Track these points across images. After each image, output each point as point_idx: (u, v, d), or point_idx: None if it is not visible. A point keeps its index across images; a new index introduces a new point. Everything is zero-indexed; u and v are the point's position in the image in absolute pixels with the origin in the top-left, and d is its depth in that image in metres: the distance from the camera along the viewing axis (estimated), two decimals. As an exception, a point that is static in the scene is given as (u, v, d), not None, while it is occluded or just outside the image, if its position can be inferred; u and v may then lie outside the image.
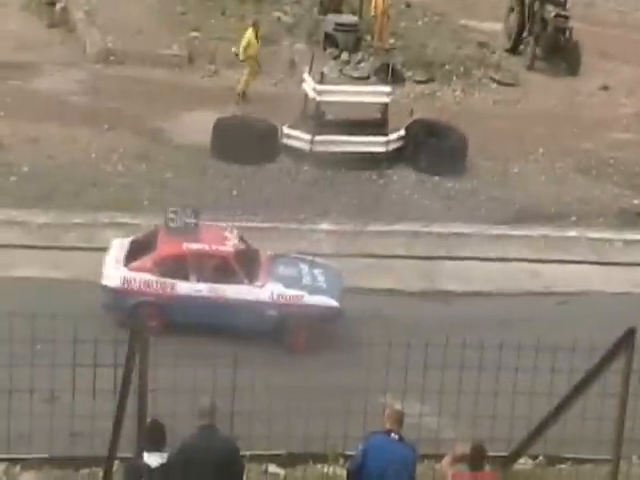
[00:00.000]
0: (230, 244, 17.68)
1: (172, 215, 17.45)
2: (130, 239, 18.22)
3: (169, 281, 17.11)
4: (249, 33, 26.28)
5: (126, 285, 17.17)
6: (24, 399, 11.16)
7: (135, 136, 24.51)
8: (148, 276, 17.19)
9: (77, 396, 10.91)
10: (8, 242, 19.11)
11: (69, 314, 13.43)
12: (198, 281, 17.17)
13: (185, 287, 17.07)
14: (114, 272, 17.31)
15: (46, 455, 11.70)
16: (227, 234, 18.00)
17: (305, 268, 18.12)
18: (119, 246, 17.90)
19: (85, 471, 11.79)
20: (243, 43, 26.19)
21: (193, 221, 17.48)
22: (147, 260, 17.36)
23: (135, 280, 17.20)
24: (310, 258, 18.42)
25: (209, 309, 16.75)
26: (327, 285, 17.77)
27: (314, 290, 17.52)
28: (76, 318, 13.11)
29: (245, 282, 17.25)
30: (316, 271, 18.09)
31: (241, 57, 26.41)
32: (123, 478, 10.71)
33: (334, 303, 17.25)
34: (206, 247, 17.43)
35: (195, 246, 17.35)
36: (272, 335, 16.87)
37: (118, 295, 17.22)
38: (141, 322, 12.91)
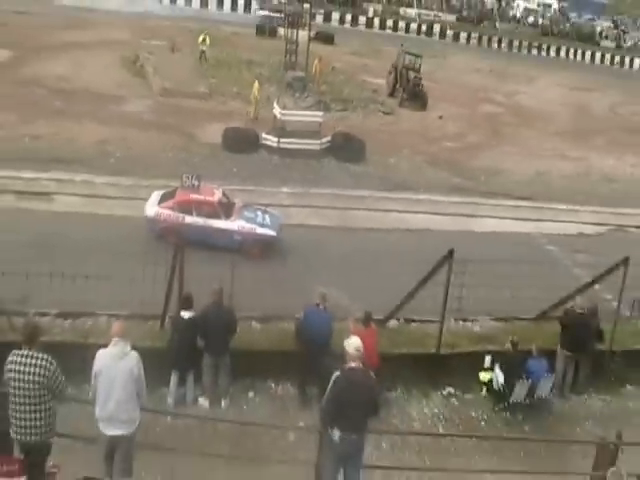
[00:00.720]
0: (216, 196, 18.95)
1: (185, 179, 18.76)
2: (162, 192, 19.27)
3: (181, 215, 18.33)
4: (256, 84, 29.75)
5: (158, 216, 18.54)
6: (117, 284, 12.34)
7: (179, 137, 26.32)
8: (170, 211, 18.42)
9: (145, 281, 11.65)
10: (110, 195, 20.53)
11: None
12: (197, 216, 18.36)
13: (189, 219, 18.25)
14: (152, 209, 18.62)
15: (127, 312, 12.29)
16: (215, 191, 19.18)
17: (259, 213, 19.18)
18: (156, 195, 19.10)
19: (150, 323, 12.65)
20: (254, 90, 29.45)
21: (196, 183, 18.69)
22: (170, 202, 18.62)
23: (162, 213, 18.50)
24: (263, 208, 19.49)
25: (202, 232, 17.69)
26: (271, 223, 18.82)
27: (263, 225, 18.68)
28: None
29: (223, 218, 18.54)
30: (266, 215, 19.15)
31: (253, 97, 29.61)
32: (170, 325, 12.26)
33: (273, 233, 18.52)
34: (202, 197, 18.69)
35: (196, 196, 18.68)
36: (238, 250, 17.27)
37: (153, 222, 18.44)
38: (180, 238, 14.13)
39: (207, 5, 54.75)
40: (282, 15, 41.80)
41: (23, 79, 30.76)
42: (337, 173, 25.39)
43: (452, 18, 66.86)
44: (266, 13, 51.97)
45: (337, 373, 8.86)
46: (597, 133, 35.77)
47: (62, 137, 24.76)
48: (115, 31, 41.06)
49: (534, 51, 62.75)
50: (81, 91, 30.02)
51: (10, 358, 8.29)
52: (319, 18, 55.05)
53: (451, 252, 12.32)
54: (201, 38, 37.80)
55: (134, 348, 8.78)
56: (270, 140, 26.46)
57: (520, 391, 12.07)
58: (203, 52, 37.62)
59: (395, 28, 61.19)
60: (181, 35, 41.01)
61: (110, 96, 29.92)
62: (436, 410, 12.19)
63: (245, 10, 55.84)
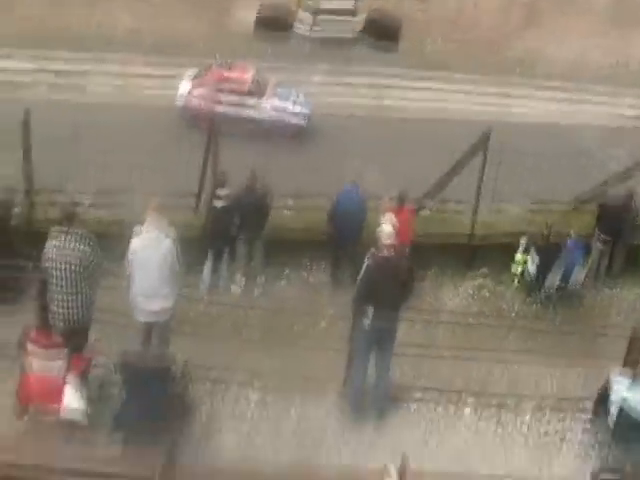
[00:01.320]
0: (249, 74, 18.82)
1: (217, 58, 18.87)
2: (195, 70, 18.99)
3: (214, 93, 17.97)
4: None
5: (191, 93, 18.26)
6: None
7: (211, 14, 24.43)
8: (203, 90, 18.15)
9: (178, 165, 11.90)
10: (145, 74, 19.92)
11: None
12: (230, 94, 18.11)
13: (223, 97, 17.93)
14: (185, 86, 18.40)
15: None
16: (248, 69, 19.02)
17: (293, 91, 19.12)
18: (189, 73, 18.86)
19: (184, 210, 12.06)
20: None
21: (228, 61, 18.80)
22: (203, 80, 18.44)
23: (195, 92, 18.19)
24: (296, 87, 19.30)
25: (236, 112, 17.66)
26: (305, 102, 18.71)
27: (296, 103, 18.63)
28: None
29: (257, 96, 18.51)
30: (300, 94, 19.06)
31: None
32: (204, 210, 12.05)
33: (307, 111, 18.41)
34: (235, 75, 18.63)
35: (228, 74, 18.61)
36: (270, 129, 17.50)
37: (186, 101, 18.19)
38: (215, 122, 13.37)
39: None
40: None
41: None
42: (373, 51, 24.11)
43: None
44: None
45: (369, 257, 8.89)
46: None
47: (93, 22, 23.85)
48: None
49: None
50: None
51: (50, 241, 8.46)
52: None
53: (486, 135, 12.03)
54: None
55: (168, 234, 8.87)
56: (305, 18, 24.87)
57: (554, 276, 12.01)
58: None
59: None
60: None
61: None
62: (466, 301, 12.18)
63: None
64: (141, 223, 8.88)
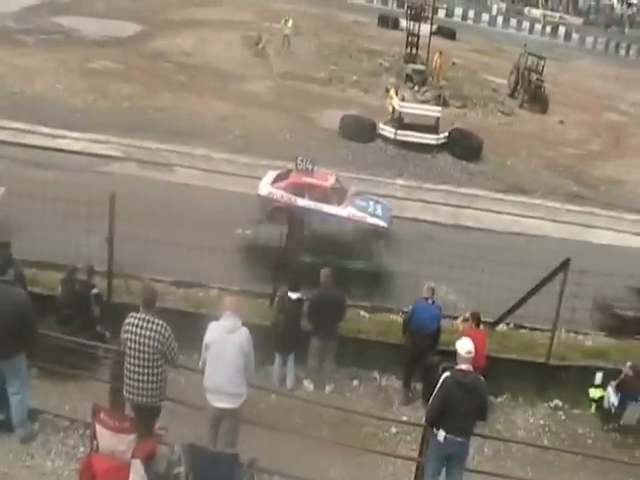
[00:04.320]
0: (330, 182, 18.99)
1: (299, 162, 18.80)
2: (277, 172, 19.56)
3: (293, 197, 18.44)
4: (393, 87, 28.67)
5: (270, 195, 18.71)
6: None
7: (296, 120, 26.56)
8: (282, 192, 18.60)
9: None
10: (227, 171, 20.83)
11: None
12: (309, 199, 18.44)
13: (301, 202, 18.36)
14: (265, 187, 18.83)
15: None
16: (329, 176, 19.27)
17: (371, 202, 19.14)
18: (270, 175, 19.36)
19: (259, 300, 12.53)
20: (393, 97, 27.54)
21: (310, 166, 18.74)
22: (283, 183, 18.78)
23: (275, 193, 18.66)
24: (375, 198, 19.48)
25: (313, 216, 17.47)
26: (382, 214, 18.68)
27: (373, 215, 18.57)
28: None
29: (335, 204, 18.54)
30: (377, 205, 19.06)
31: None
32: (277, 303, 12.02)
33: (384, 224, 18.33)
34: (315, 181, 18.75)
35: (309, 179, 18.75)
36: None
37: (265, 201, 18.62)
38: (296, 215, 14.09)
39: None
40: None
41: (151, 52, 31.77)
42: (452, 170, 25.13)
43: (578, 21, 64.77)
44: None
45: (447, 374, 8.69)
46: None
47: (184, 111, 25.44)
48: (239, 11, 41.71)
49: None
50: (204, 67, 30.87)
51: (128, 320, 8.54)
52: (441, 12, 54.26)
53: (567, 261, 11.84)
54: (283, 22, 37.15)
55: (244, 324, 8.77)
56: (387, 131, 26.28)
57: (632, 414, 11.54)
58: (286, 36, 36.72)
59: (518, 28, 59.73)
60: (305, 20, 41.13)
61: (231, 74, 30.53)
62: (542, 421, 11.77)
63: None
64: (217, 318, 8.83)
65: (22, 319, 8.40)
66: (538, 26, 60.68)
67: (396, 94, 27.46)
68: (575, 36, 60.32)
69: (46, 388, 9.86)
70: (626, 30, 65.32)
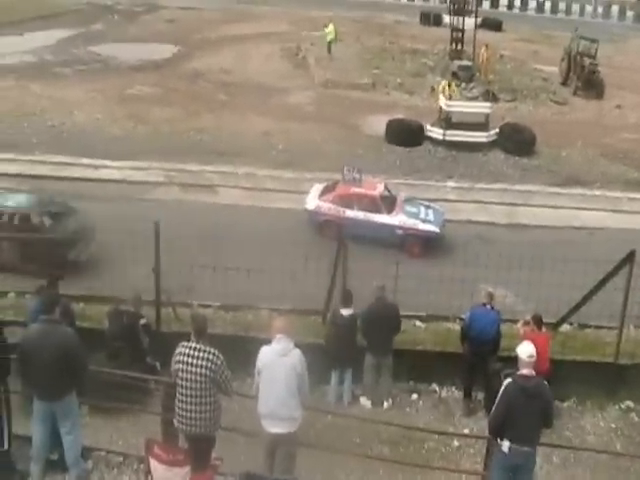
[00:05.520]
0: (378, 190, 19.19)
1: (346, 172, 19.08)
2: (323, 184, 19.81)
3: (342, 209, 18.68)
4: (444, 83, 28.09)
5: (318, 209, 18.97)
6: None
7: (341, 129, 26.73)
8: (330, 205, 18.84)
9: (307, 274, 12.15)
10: (272, 188, 21.27)
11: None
12: (358, 210, 18.64)
13: (351, 213, 18.62)
14: (312, 201, 19.12)
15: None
16: (378, 184, 19.48)
17: (422, 208, 19.30)
18: (317, 188, 19.61)
19: (312, 318, 12.56)
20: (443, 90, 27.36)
21: (357, 176, 19.01)
22: (330, 196, 19.02)
23: (323, 207, 18.93)
24: (426, 203, 19.61)
25: (363, 227, 17.97)
26: (434, 219, 18.87)
27: (425, 221, 18.75)
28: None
29: (384, 212, 18.76)
30: (429, 210, 19.23)
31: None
32: (328, 321, 12.15)
33: (436, 229, 18.59)
34: (363, 191, 18.98)
35: (357, 190, 18.99)
36: (398, 245, 17.94)
37: (314, 215, 18.97)
38: (344, 232, 14.04)
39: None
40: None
41: (189, 73, 32.30)
42: (505, 167, 25.02)
43: (632, -2, 63.48)
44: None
45: (508, 380, 8.56)
46: None
47: (226, 130, 25.82)
48: (275, 23, 42.13)
49: None
50: (244, 84, 31.22)
51: (179, 350, 8.57)
52: (486, 4, 53.74)
53: (632, 253, 11.56)
54: (325, 28, 37.23)
55: (297, 344, 8.77)
56: (435, 132, 26.29)
57: None
58: (330, 42, 36.74)
59: (568, 11, 58.80)
60: (344, 25, 41.24)
61: (272, 88, 30.83)
62: (613, 425, 11.53)
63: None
64: (267, 337, 8.84)
65: (70, 358, 8.48)
66: (589, 7, 59.64)
67: (449, 88, 27.30)
68: (630, 13, 59.06)
69: (98, 424, 10.01)
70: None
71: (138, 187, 20.72)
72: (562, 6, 59.38)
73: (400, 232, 18.48)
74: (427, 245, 18.45)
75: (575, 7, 59.30)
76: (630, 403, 11.90)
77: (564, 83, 35.50)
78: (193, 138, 24.98)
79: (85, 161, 22.39)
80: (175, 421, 8.63)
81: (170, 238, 11.44)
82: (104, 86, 29.95)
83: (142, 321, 11.50)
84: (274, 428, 8.83)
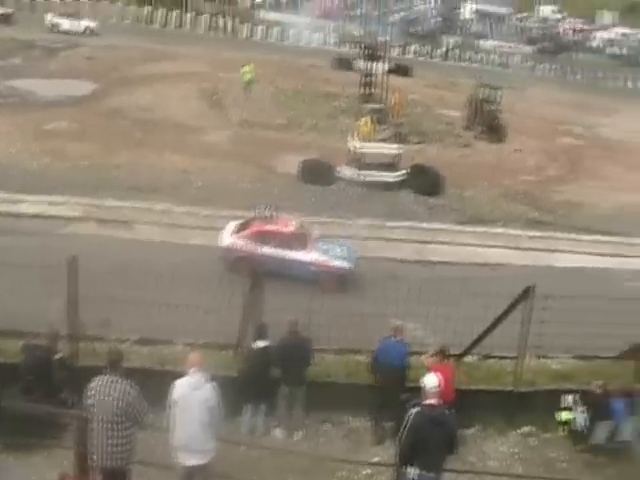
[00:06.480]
0: (292, 227, 19.14)
1: (260, 210, 19.09)
2: (238, 222, 19.58)
3: (256, 246, 18.36)
4: (365, 119, 28.32)
5: (233, 246, 18.68)
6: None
7: (257, 168, 26.76)
8: (245, 241, 18.60)
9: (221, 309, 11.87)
10: (188, 225, 20.93)
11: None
12: (272, 247, 18.40)
13: (265, 250, 18.27)
14: (227, 238, 18.88)
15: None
16: (291, 222, 19.42)
17: (334, 245, 19.42)
18: (232, 225, 19.39)
19: (225, 352, 12.37)
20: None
21: (271, 213, 19.00)
22: (245, 232, 18.85)
23: (238, 243, 18.65)
24: (339, 240, 19.75)
25: (277, 263, 17.63)
26: (347, 255, 18.91)
27: (337, 258, 18.79)
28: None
29: (298, 249, 18.66)
30: (340, 247, 19.34)
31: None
32: (243, 355, 11.98)
33: (349, 266, 18.64)
34: (277, 228, 18.88)
35: (271, 227, 18.87)
36: (312, 281, 17.55)
37: (228, 252, 18.64)
38: (258, 268, 13.67)
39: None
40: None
41: (107, 110, 31.93)
42: (414, 205, 25.55)
43: (529, 50, 66.31)
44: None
45: (415, 409, 8.72)
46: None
47: (143, 167, 25.57)
48: (192, 63, 42.15)
49: (615, 83, 61.37)
50: (162, 122, 31.05)
51: (92, 384, 8.49)
52: (395, 51, 55.12)
53: (529, 289, 11.93)
54: (245, 69, 37.79)
55: (211, 378, 8.78)
56: (348, 172, 26.59)
57: (601, 433, 11.63)
58: (247, 82, 37.35)
59: (472, 60, 60.94)
60: (259, 67, 41.55)
61: (190, 127, 30.77)
62: (513, 449, 11.81)
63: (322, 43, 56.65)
64: (182, 370, 8.86)
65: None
66: (493, 56, 61.99)
67: (371, 122, 27.82)
68: (528, 64, 61.75)
69: (9, 462, 9.73)
70: (575, 56, 67.02)
71: (54, 222, 20.28)
72: (467, 55, 61.53)
73: (313, 269, 18.46)
74: (340, 281, 18.46)
75: (479, 56, 61.58)
76: (529, 428, 12.19)
77: (468, 127, 36.63)
78: (111, 174, 24.63)
79: (0, 195, 21.76)
80: (89, 455, 8.45)
81: (86, 272, 11.18)
82: (21, 121, 29.35)
83: (57, 355, 11.21)
84: (188, 460, 8.81)
